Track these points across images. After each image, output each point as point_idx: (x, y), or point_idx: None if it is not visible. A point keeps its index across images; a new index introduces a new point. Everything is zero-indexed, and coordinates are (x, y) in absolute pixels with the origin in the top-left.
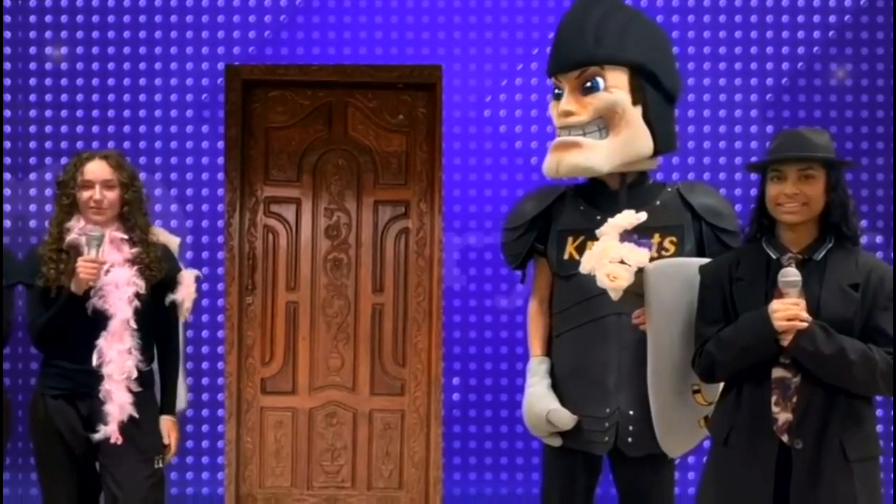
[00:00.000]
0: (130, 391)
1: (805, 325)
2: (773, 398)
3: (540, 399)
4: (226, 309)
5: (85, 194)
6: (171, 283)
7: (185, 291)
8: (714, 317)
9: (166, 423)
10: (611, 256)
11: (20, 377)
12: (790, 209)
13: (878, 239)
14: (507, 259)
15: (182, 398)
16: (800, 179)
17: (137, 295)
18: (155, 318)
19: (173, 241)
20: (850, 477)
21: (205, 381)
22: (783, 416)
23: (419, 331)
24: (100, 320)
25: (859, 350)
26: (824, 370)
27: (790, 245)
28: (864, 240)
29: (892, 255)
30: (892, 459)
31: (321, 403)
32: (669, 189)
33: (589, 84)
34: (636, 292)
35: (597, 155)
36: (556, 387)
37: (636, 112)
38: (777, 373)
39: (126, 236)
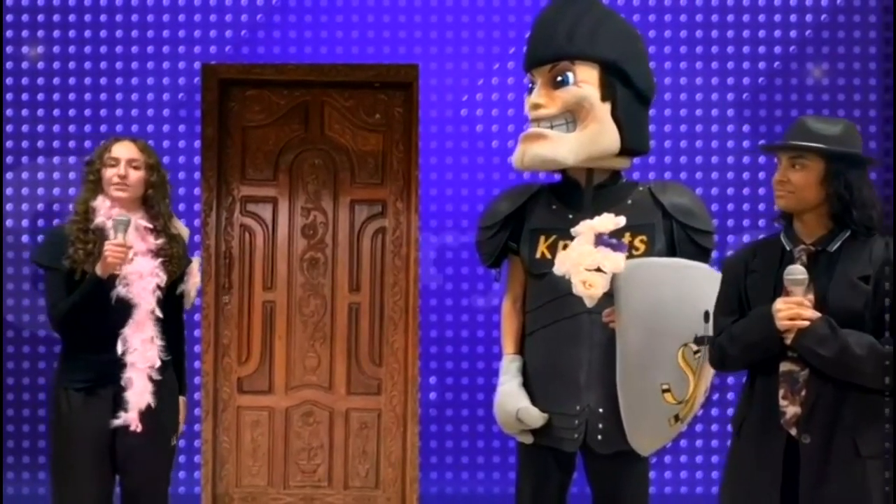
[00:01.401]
0: (151, 380)
1: (806, 323)
2: (781, 391)
3: (510, 397)
4: (202, 308)
5: (109, 171)
6: (182, 276)
7: (192, 281)
8: (730, 308)
9: (183, 403)
10: (587, 263)
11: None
12: (779, 194)
13: None
14: (481, 257)
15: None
16: (790, 167)
17: (159, 287)
18: (168, 308)
19: (185, 232)
20: (863, 473)
21: None
22: (791, 410)
23: (396, 330)
24: (122, 309)
25: (866, 345)
26: (829, 367)
27: (803, 236)
28: None
29: (891, 254)
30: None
31: (298, 403)
32: (641, 188)
33: (560, 78)
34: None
35: (562, 147)
36: (527, 385)
37: (605, 108)
38: (784, 366)
39: (150, 225)
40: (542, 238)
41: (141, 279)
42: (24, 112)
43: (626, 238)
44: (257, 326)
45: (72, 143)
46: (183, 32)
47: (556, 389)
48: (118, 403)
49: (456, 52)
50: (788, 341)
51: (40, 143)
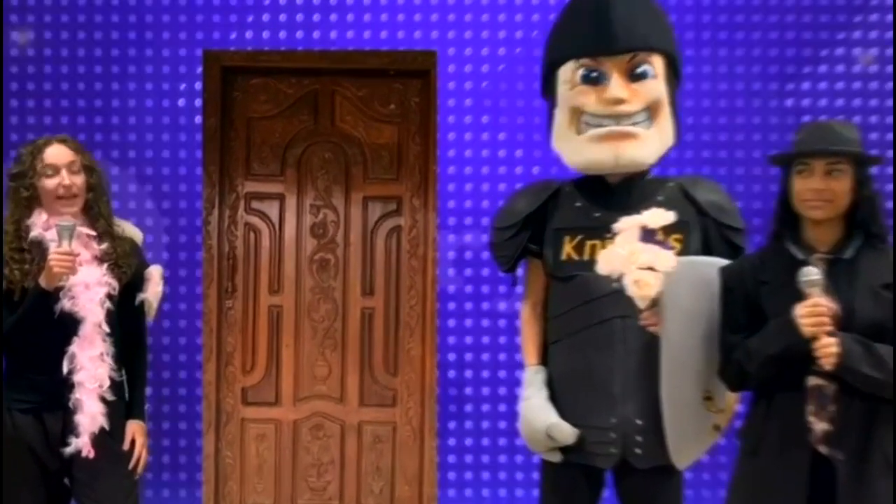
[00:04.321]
0: (104, 400)
1: (830, 327)
2: (811, 408)
3: (538, 412)
4: (204, 313)
5: (50, 182)
6: (139, 282)
7: (154, 289)
8: (739, 322)
9: (134, 429)
10: (640, 262)
11: None
12: (816, 204)
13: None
14: (497, 261)
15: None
16: (827, 174)
17: (109, 296)
18: (124, 320)
19: (137, 235)
20: (894, 483)
21: (181, 391)
22: (820, 426)
23: (412, 337)
24: (69, 324)
25: None
26: (868, 385)
27: (816, 244)
28: None
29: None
30: None
31: (306, 415)
32: (671, 184)
33: (640, 70)
34: None
35: (650, 148)
36: (553, 397)
37: (668, 102)
38: (812, 381)
39: (93, 232)
40: (568, 238)
41: (87, 290)
42: (13, 103)
43: (661, 236)
44: (263, 333)
45: None
46: (183, 17)
47: (588, 401)
48: (66, 429)
49: (476, 36)
50: (828, 367)
51: (30, 136)
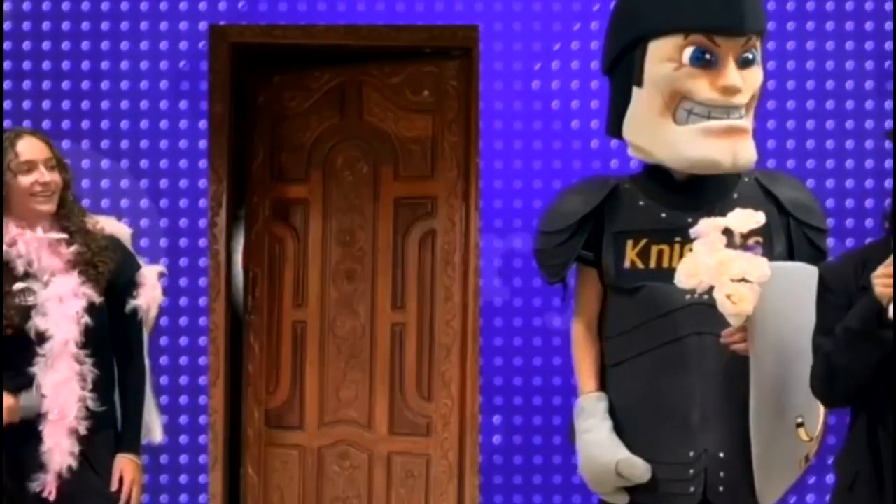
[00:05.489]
0: (76, 433)
1: None
2: None
3: (604, 447)
4: (210, 330)
5: (26, 179)
6: (128, 286)
7: (149, 294)
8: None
9: (122, 464)
10: (733, 272)
11: None
12: None
13: None
14: (545, 271)
15: (155, 428)
16: None
17: (89, 308)
18: (113, 333)
19: (123, 232)
20: None
21: (183, 419)
22: None
23: (449, 357)
24: (45, 345)
25: None
26: None
27: None
28: None
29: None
30: None
31: (332, 442)
32: (746, 179)
33: (749, 55)
34: None
35: (753, 144)
36: (617, 429)
37: None
38: None
39: (63, 235)
40: (630, 243)
41: (61, 304)
42: None
43: (739, 239)
44: (287, 352)
45: (46, 124)
46: None
47: (661, 433)
48: (38, 464)
49: (526, 9)
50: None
51: (7, 123)
